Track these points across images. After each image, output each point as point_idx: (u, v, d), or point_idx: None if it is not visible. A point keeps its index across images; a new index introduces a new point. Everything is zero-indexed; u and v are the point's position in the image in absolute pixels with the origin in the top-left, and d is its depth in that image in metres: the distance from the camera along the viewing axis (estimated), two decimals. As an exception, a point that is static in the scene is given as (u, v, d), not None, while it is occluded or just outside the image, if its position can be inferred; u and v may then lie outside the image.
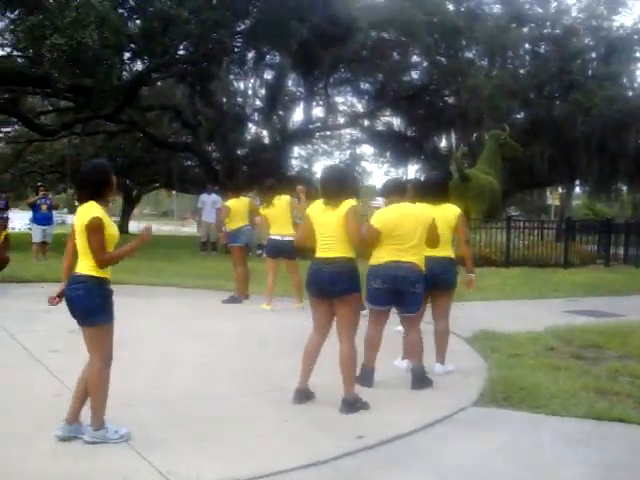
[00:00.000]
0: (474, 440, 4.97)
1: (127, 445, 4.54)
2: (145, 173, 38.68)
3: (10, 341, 7.64)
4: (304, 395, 5.66)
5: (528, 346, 7.84)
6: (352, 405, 5.46)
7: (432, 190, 6.81)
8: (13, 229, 21.87)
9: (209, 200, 21.83)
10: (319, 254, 5.62)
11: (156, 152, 34.47)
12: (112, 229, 4.59)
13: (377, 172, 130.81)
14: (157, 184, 44.30)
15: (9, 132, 34.56)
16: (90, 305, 4.52)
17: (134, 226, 49.10)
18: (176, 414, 5.26)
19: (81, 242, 4.53)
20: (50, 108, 29.89)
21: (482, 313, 10.44)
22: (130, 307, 10.55)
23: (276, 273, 10.83)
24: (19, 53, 22.08)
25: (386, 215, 6.17)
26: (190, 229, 44.29)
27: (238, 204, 11.52)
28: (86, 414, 4.64)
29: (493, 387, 6.13)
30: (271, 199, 10.74)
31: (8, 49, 23.42)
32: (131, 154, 35.82)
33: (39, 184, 19.18)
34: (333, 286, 5.45)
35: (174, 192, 49.64)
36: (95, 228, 4.44)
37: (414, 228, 6.04)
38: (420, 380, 6.24)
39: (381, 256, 6.10)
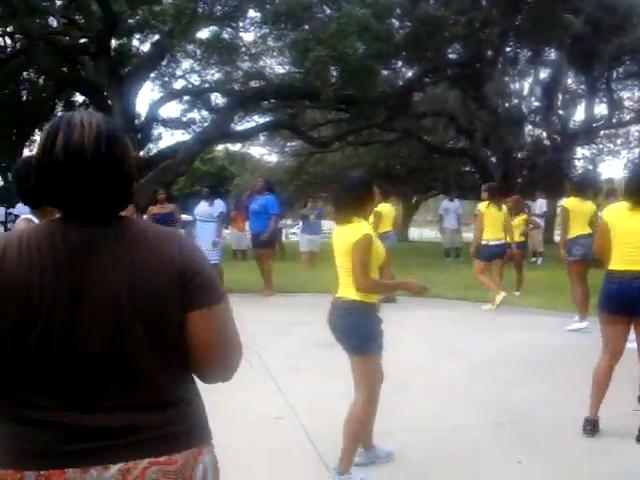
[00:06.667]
0: None
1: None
2: (423, 180, 38.76)
3: (252, 355, 7.45)
4: (593, 427, 4.95)
5: None
6: None
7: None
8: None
9: (452, 207, 22.46)
10: (622, 266, 4.86)
11: (433, 159, 34.42)
12: None
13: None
14: (435, 191, 44.20)
15: (295, 146, 36.33)
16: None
17: (416, 233, 49.33)
18: (401, 447, 4.70)
19: None
20: (325, 121, 30.78)
21: None
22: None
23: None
24: (296, 70, 22.96)
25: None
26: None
27: (386, 209, 11.35)
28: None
29: None
30: (499, 201, 10.89)
31: (287, 66, 24.56)
32: (408, 162, 36.07)
33: (310, 195, 19.72)
34: None
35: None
36: None
37: None
38: None
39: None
